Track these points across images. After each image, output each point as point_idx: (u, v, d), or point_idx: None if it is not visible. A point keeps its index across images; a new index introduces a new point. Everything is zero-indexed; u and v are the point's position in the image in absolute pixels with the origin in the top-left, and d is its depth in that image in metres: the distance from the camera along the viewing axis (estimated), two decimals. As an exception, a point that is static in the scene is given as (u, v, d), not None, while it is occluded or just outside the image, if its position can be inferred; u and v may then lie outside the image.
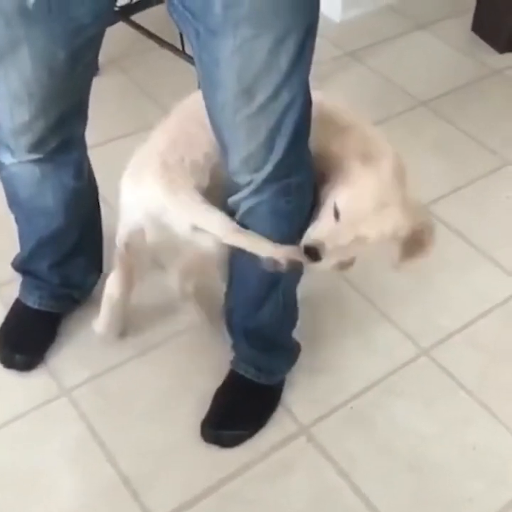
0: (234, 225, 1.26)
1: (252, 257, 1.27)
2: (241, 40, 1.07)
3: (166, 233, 1.33)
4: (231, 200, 1.27)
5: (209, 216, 1.27)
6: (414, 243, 1.34)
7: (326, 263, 1.30)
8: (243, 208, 1.26)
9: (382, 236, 1.30)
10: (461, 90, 2.41)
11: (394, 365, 1.61)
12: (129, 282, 1.54)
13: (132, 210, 1.38)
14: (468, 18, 2.65)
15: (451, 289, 1.78)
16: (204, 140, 1.29)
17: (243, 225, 1.27)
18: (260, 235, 1.27)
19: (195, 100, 1.31)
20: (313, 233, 1.28)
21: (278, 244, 1.26)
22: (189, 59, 2.04)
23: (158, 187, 1.28)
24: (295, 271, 1.34)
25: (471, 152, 2.17)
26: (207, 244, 1.32)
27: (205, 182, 1.29)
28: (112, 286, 1.54)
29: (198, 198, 1.27)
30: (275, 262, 1.28)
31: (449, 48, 2.60)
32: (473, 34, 2.64)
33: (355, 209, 1.26)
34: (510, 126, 2.27)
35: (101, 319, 1.57)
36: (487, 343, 1.67)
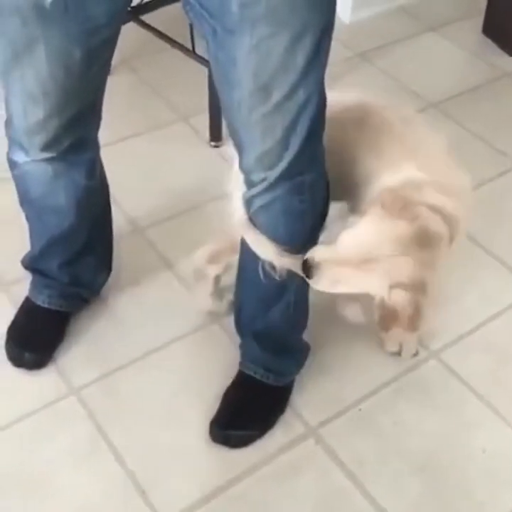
0: (246, 218, 1.27)
1: (255, 256, 1.27)
2: (258, 39, 1.08)
3: None
4: (245, 195, 1.27)
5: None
6: (392, 317, 1.26)
7: (323, 285, 1.27)
8: (256, 204, 1.27)
9: (359, 290, 1.27)
10: (471, 92, 2.41)
11: (403, 368, 1.61)
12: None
13: None
14: (479, 21, 2.64)
15: (461, 292, 1.77)
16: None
17: (255, 221, 1.28)
18: (268, 239, 1.27)
19: None
20: (318, 251, 1.26)
21: (283, 253, 1.26)
22: (199, 59, 2.05)
23: None
24: (295, 280, 1.34)
25: (481, 154, 2.16)
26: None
27: None
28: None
29: None
30: (273, 268, 1.29)
31: (459, 50, 2.60)
32: (483, 36, 2.63)
33: (346, 250, 1.23)
34: (521, 128, 2.27)
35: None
36: (497, 346, 1.66)
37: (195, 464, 1.44)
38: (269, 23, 1.07)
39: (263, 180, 1.24)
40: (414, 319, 1.26)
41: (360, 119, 1.40)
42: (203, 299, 1.65)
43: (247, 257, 1.37)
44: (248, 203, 1.29)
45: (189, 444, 1.47)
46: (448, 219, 1.27)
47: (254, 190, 1.26)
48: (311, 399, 1.54)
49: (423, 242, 1.23)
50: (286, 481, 1.42)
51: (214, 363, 1.58)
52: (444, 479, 1.44)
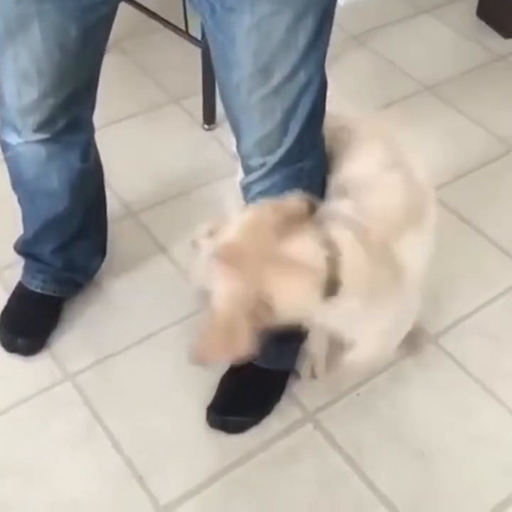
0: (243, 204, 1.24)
1: None
2: (259, 17, 1.05)
3: None
4: (242, 182, 1.25)
5: None
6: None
7: None
8: (254, 191, 1.25)
9: None
10: (465, 75, 2.39)
11: (401, 352, 1.60)
12: None
13: None
14: (474, 3, 2.62)
15: (458, 276, 1.77)
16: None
17: None
18: None
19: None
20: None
21: None
22: (192, 40, 2.01)
23: None
24: None
25: (476, 138, 2.15)
26: None
27: None
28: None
29: None
30: None
31: (453, 33, 2.58)
32: (478, 19, 2.61)
33: None
34: (515, 111, 2.25)
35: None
36: (495, 331, 1.66)
37: (192, 449, 1.43)
38: (271, 1, 1.04)
39: (262, 165, 1.21)
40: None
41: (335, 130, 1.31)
42: (199, 276, 1.61)
43: None
44: (246, 189, 1.26)
45: (186, 430, 1.45)
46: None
47: (252, 177, 1.24)
48: (308, 384, 1.53)
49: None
50: (284, 466, 1.41)
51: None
52: (442, 464, 1.43)
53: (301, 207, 1.10)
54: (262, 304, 1.04)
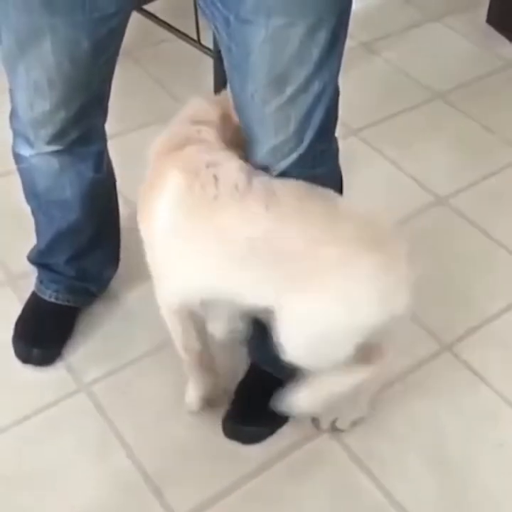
0: None
1: None
2: (273, 29, 1.05)
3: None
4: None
5: None
6: None
7: None
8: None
9: None
10: (476, 82, 2.39)
11: (416, 362, 1.59)
12: (199, 334, 1.35)
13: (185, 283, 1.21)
14: (483, 10, 2.61)
15: (472, 284, 1.76)
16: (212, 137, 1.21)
17: None
18: None
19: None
20: None
21: None
22: (205, 49, 2.02)
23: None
24: None
25: (489, 145, 2.14)
26: None
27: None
28: (185, 353, 1.37)
29: None
30: None
31: (463, 40, 2.57)
32: (488, 26, 2.61)
33: None
34: (527, 118, 2.25)
35: (192, 387, 1.44)
36: (510, 339, 1.64)
37: (208, 460, 1.42)
38: (285, 13, 1.04)
39: (273, 169, 1.21)
40: None
41: None
42: None
43: None
44: None
45: (202, 440, 1.45)
46: None
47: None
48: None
49: None
50: (301, 477, 1.40)
51: (226, 356, 1.56)
52: (460, 473, 1.42)
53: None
54: None
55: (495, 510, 1.37)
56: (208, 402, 1.46)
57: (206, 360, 1.41)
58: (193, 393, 1.45)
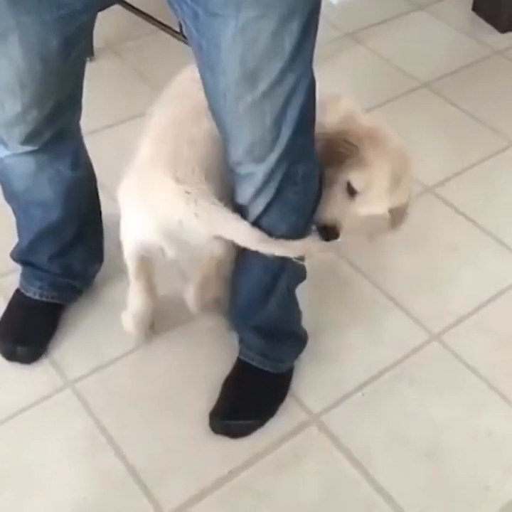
0: (258, 232, 1.23)
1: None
2: (244, 22, 1.02)
3: (185, 246, 1.28)
4: (239, 201, 1.23)
5: (235, 226, 1.22)
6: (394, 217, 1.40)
7: (341, 242, 1.32)
8: (253, 213, 1.23)
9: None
10: (462, 71, 2.38)
11: (404, 351, 1.58)
12: (150, 293, 1.49)
13: (144, 227, 1.31)
14: (469, -2, 2.61)
15: (460, 273, 1.75)
16: (203, 134, 1.24)
17: (256, 220, 1.24)
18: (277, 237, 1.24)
19: (181, 85, 1.30)
20: (329, 212, 1.29)
21: (303, 240, 1.25)
22: (187, 41, 2.00)
23: (176, 201, 1.22)
24: (286, 267, 1.33)
25: (475, 133, 2.14)
26: (223, 251, 1.31)
27: (218, 184, 1.24)
28: (134, 302, 1.50)
29: (219, 206, 1.22)
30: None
31: (449, 29, 2.56)
32: (473, 14, 2.60)
33: (372, 188, 1.29)
34: (513, 106, 2.24)
35: (129, 327, 1.54)
36: (498, 327, 1.64)
37: (196, 454, 1.41)
38: (256, 5, 1.01)
39: (251, 174, 1.18)
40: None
41: None
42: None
43: (243, 257, 1.33)
44: (244, 209, 1.24)
45: (190, 436, 1.44)
46: None
47: (248, 194, 1.21)
48: (312, 385, 1.52)
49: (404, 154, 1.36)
50: (290, 470, 1.40)
51: (212, 351, 1.55)
52: (449, 463, 1.41)
53: None
54: None
55: (484, 500, 1.37)
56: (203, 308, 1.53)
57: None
58: (127, 314, 1.52)
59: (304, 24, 1.05)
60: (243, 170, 1.19)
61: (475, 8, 2.60)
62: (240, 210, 1.24)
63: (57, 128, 1.32)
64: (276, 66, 1.07)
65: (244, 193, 1.22)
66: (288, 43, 1.05)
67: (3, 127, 1.29)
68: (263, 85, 1.08)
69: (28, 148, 1.32)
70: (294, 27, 1.04)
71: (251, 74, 1.07)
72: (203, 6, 1.03)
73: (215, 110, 1.16)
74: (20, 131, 1.29)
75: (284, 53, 1.06)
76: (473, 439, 1.45)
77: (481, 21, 2.57)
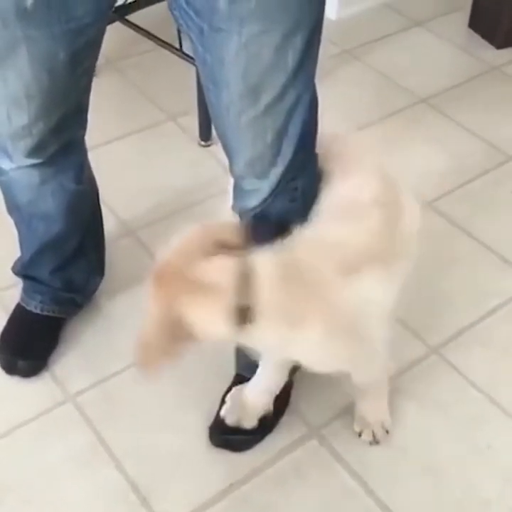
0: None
1: None
2: (247, 37, 1.04)
3: None
4: (237, 208, 1.24)
5: None
6: None
7: None
8: (250, 215, 1.24)
9: None
10: (459, 87, 2.40)
11: (403, 364, 1.59)
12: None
13: None
14: (465, 15, 2.64)
15: (458, 286, 1.76)
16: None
17: (251, 230, 1.24)
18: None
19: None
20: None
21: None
22: (187, 57, 2.02)
23: None
24: None
25: (472, 148, 2.15)
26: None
27: None
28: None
29: None
30: None
31: (446, 45, 2.59)
32: (470, 30, 2.63)
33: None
34: (511, 121, 2.25)
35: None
36: (497, 340, 1.65)
37: (197, 468, 1.42)
38: (259, 21, 1.03)
39: (256, 191, 1.20)
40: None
41: None
42: None
43: None
44: (242, 216, 1.25)
45: (190, 449, 1.44)
46: None
47: (248, 204, 1.22)
48: (312, 399, 1.52)
49: None
50: (290, 483, 1.40)
51: (212, 367, 1.55)
52: (449, 477, 1.41)
53: (234, 233, 1.11)
54: (180, 324, 1.06)
55: (484, 513, 1.37)
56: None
57: None
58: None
59: (306, 40, 1.06)
60: (247, 185, 1.21)
61: (471, 25, 2.63)
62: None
63: (62, 141, 1.33)
64: (278, 81, 1.09)
65: (246, 205, 1.24)
66: (290, 58, 1.07)
67: (9, 139, 1.30)
68: (265, 100, 1.10)
69: (33, 161, 1.33)
70: (297, 42, 1.06)
71: (254, 88, 1.09)
72: (207, 22, 1.05)
73: (217, 123, 1.18)
74: (25, 144, 1.29)
75: (287, 68, 1.08)
76: (473, 452, 1.45)
77: (478, 38, 2.60)
